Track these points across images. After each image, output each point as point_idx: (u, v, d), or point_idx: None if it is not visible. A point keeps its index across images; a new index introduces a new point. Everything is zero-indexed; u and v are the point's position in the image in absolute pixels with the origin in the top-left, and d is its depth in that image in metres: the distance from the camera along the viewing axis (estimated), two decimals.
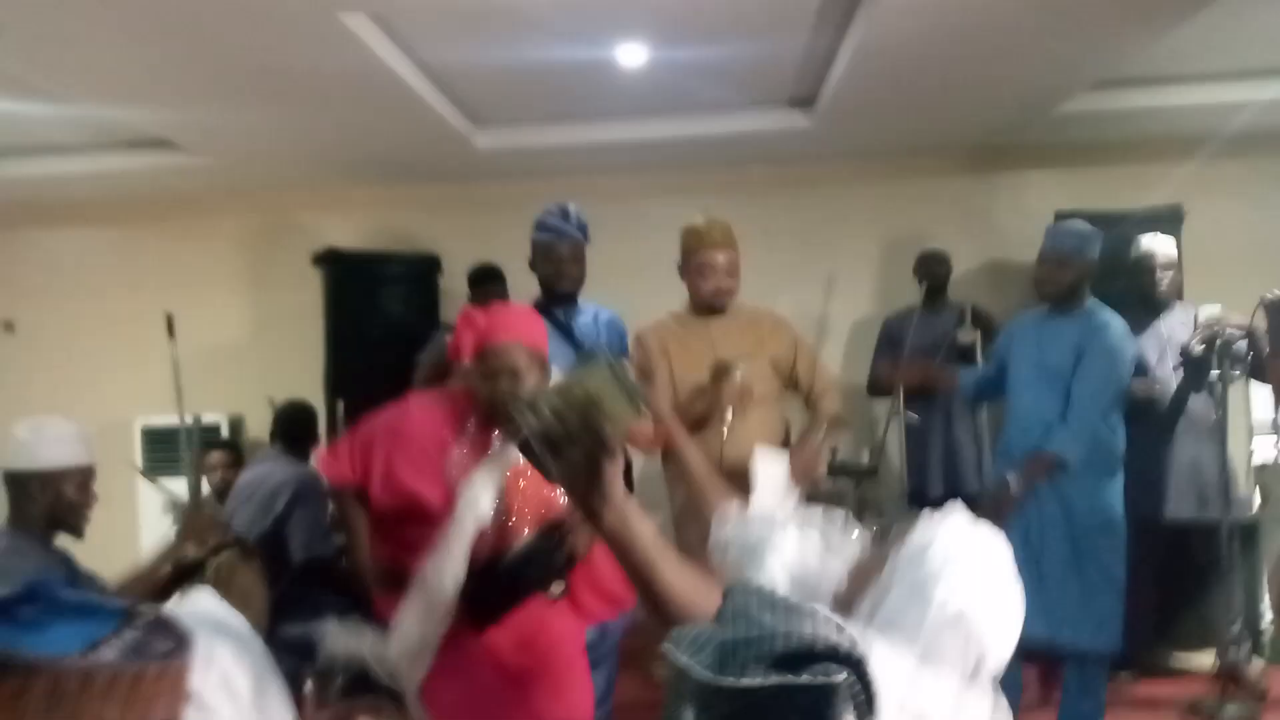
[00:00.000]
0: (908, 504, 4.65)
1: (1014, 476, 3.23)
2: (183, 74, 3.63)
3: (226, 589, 3.27)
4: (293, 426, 3.99)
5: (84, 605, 1.01)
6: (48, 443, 2.52)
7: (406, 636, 2.10)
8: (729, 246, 3.05)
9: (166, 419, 4.02)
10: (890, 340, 4.68)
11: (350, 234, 5.34)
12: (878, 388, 4.66)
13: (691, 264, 3.06)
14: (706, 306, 3.06)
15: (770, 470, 2.93)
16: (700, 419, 3.01)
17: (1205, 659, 4.03)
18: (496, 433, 2.22)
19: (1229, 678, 3.72)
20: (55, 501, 2.50)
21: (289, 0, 2.98)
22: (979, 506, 3.62)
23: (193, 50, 3.38)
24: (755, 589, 1.09)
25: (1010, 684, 3.28)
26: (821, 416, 3.11)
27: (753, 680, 0.96)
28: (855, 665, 1.00)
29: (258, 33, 3.23)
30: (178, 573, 3.12)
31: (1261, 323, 3.27)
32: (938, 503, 4.50)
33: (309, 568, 3.41)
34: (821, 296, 5.19)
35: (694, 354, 3.05)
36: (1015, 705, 3.28)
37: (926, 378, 4.08)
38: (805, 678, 0.97)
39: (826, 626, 1.02)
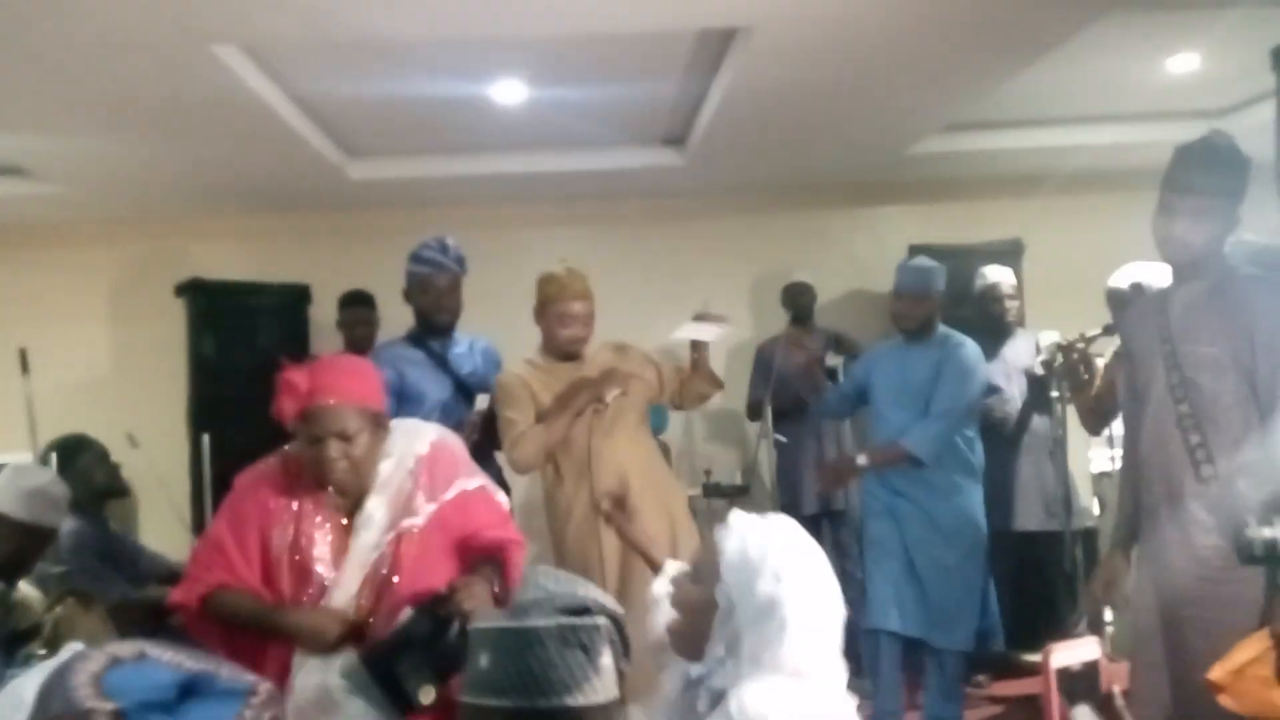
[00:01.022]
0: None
1: (863, 454, 3.49)
2: (36, 100, 3.50)
3: (71, 636, 3.13)
4: (63, 467, 3.53)
5: (216, 685, 1.07)
6: (33, 496, 2.64)
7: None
8: (587, 297, 3.09)
9: (20, 456, 3.79)
10: (764, 365, 4.88)
11: (218, 264, 5.18)
12: (754, 412, 4.83)
13: (550, 312, 3.06)
14: (563, 354, 3.08)
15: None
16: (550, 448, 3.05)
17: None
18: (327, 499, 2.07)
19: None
20: (15, 553, 2.62)
21: (158, 30, 2.92)
22: (821, 472, 3.88)
23: (48, 76, 3.27)
24: (544, 569, 1.55)
25: (891, 676, 3.51)
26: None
27: (537, 621, 1.30)
28: (613, 618, 1.39)
29: (121, 62, 3.15)
30: (13, 635, 2.96)
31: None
32: (811, 518, 4.73)
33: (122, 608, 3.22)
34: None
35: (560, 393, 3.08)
36: (899, 685, 3.51)
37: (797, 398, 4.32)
38: (572, 620, 1.29)
39: (593, 591, 1.45)
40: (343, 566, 2.03)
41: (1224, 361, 2.27)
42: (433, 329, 3.24)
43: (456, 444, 2.25)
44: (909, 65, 3.61)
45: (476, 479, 2.20)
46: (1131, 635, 2.58)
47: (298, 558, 2.04)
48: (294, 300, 5.14)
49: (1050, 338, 4.18)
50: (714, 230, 5.55)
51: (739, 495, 4.38)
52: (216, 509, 3.69)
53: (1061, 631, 4.14)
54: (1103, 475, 4.68)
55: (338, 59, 3.46)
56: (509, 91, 3.90)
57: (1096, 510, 4.59)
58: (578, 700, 1.24)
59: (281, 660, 2.00)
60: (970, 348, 3.55)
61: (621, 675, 1.35)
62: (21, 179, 4.54)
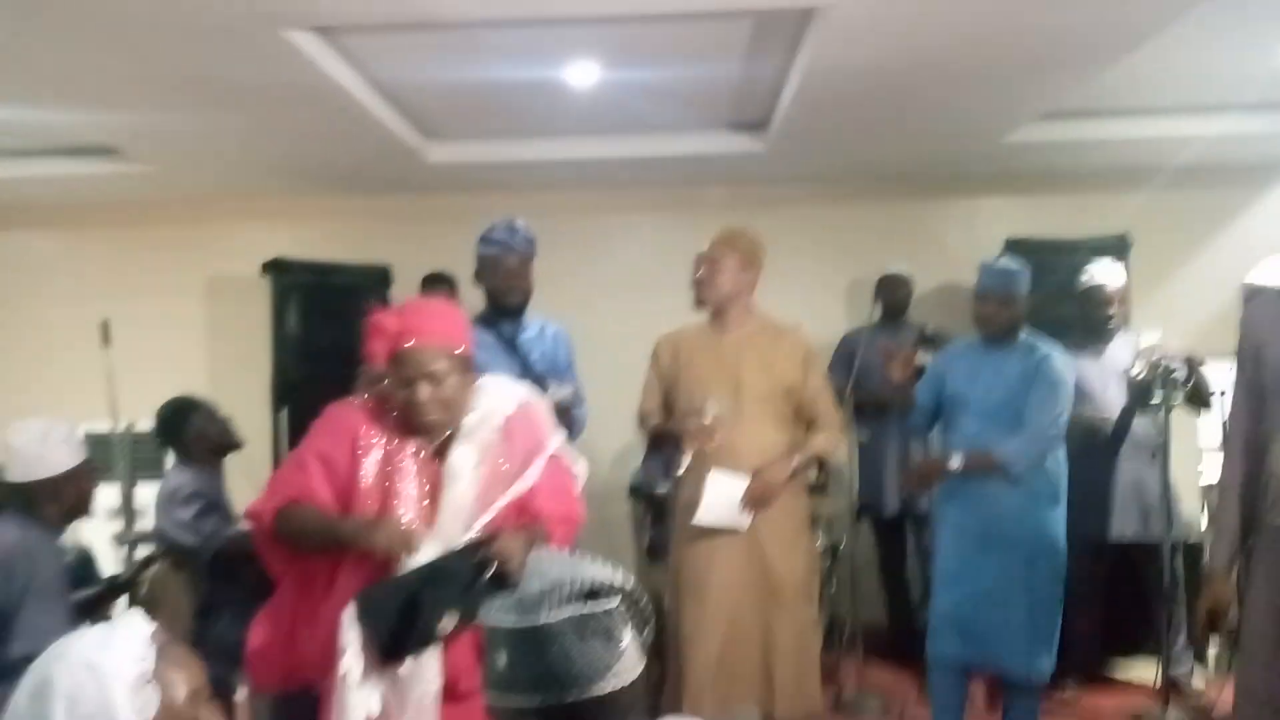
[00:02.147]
0: (859, 519, 4.69)
1: (957, 456, 3.25)
2: (126, 82, 3.55)
3: (159, 603, 3.21)
4: (168, 426, 3.60)
5: None
6: (56, 447, 2.70)
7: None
8: (721, 244, 3.11)
9: (104, 425, 3.89)
10: (847, 355, 4.70)
11: (299, 244, 5.26)
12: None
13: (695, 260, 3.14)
14: (697, 304, 3.12)
15: (721, 489, 2.95)
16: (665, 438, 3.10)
17: (1149, 672, 4.08)
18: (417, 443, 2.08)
19: (1170, 689, 3.77)
20: (75, 497, 2.71)
21: (231, 13, 2.91)
22: (907, 474, 3.68)
23: (136, 58, 3.31)
24: (546, 554, 1.42)
25: (951, 695, 3.31)
26: (807, 447, 3.12)
27: (549, 616, 1.24)
28: (627, 593, 1.30)
29: (200, 45, 3.17)
30: (110, 590, 3.06)
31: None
32: (892, 520, 4.58)
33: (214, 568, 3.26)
34: (779, 315, 5.22)
35: (700, 366, 3.10)
36: (959, 717, 3.31)
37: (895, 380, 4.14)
38: (590, 608, 1.25)
39: (600, 568, 1.31)
40: (436, 517, 2.02)
41: None
42: (502, 310, 3.20)
43: (541, 407, 2.26)
44: (1002, 48, 3.38)
45: (559, 441, 2.22)
46: (1244, 646, 2.38)
47: (387, 485, 2.04)
48: (375, 281, 5.18)
49: (1152, 339, 3.94)
50: (800, 220, 5.39)
51: (816, 494, 4.24)
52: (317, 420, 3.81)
53: (1157, 646, 3.93)
54: (1213, 486, 4.41)
55: (412, 43, 3.42)
56: (583, 74, 3.82)
57: (1205, 522, 4.33)
58: (604, 688, 1.24)
59: (351, 585, 1.98)
60: (1059, 358, 3.30)
61: (644, 646, 1.33)
62: (112, 158, 4.66)
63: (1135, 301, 4.45)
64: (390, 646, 1.90)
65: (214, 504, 3.39)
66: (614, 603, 1.27)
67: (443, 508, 2.03)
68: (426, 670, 1.96)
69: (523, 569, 1.92)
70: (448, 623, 1.92)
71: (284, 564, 2.08)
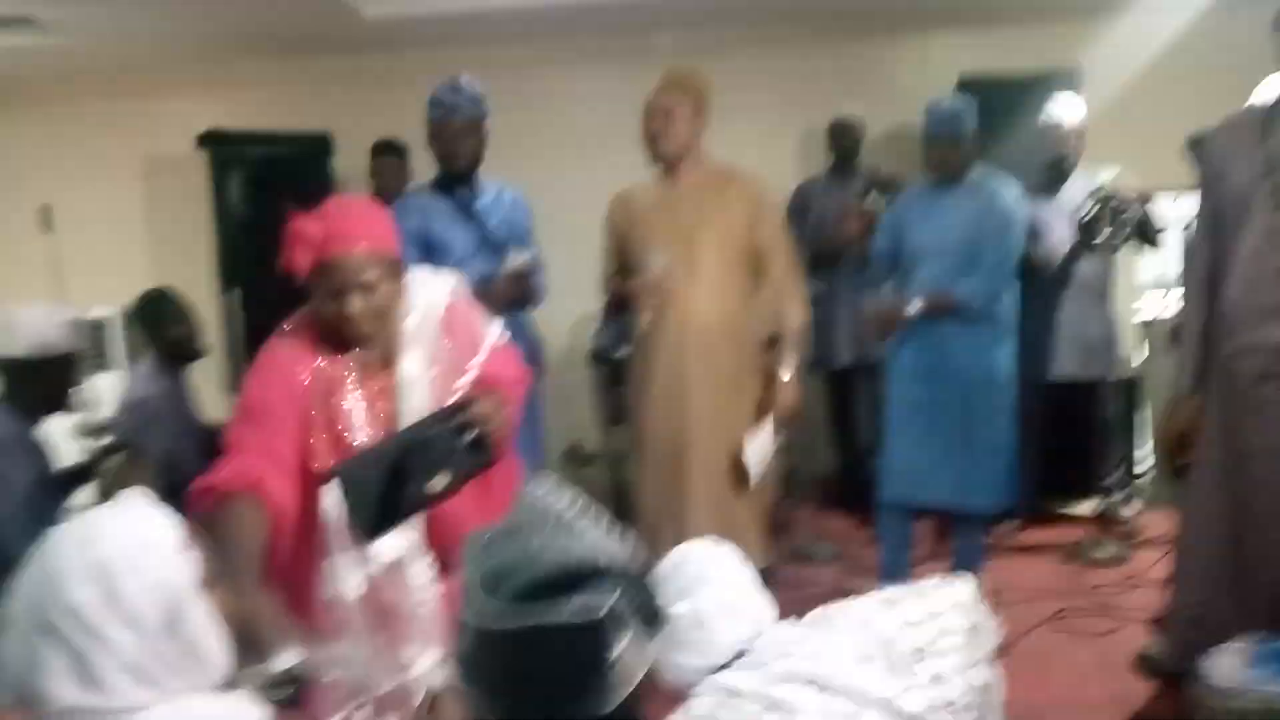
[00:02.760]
0: (811, 372, 4.77)
1: (916, 301, 3.30)
2: None
3: (122, 490, 3.21)
4: (134, 324, 3.62)
5: None
6: (50, 329, 2.69)
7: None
8: (673, 89, 2.93)
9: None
10: (800, 207, 4.69)
11: (236, 115, 5.04)
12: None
13: (645, 109, 2.96)
14: (654, 159, 2.97)
15: (761, 443, 2.97)
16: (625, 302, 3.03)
17: (1088, 506, 4.31)
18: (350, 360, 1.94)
19: (1104, 521, 4.00)
20: (56, 384, 2.70)
21: None
22: (869, 320, 3.77)
23: None
24: (535, 498, 1.05)
25: (901, 538, 3.48)
26: (785, 338, 3.04)
27: (505, 621, 0.94)
28: (627, 578, 0.98)
29: None
30: (70, 478, 3.05)
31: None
32: (843, 371, 4.63)
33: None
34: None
35: (653, 222, 3.00)
36: (906, 558, 3.49)
37: (838, 243, 4.14)
38: (560, 616, 0.92)
39: (595, 545, 0.99)
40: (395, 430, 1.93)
41: None
42: (455, 176, 3.11)
43: (465, 288, 2.16)
44: None
45: (495, 328, 2.14)
46: (1192, 485, 2.50)
47: (339, 428, 1.92)
48: (316, 149, 5.02)
49: (1108, 176, 3.96)
50: (749, 67, 5.24)
51: (768, 347, 4.30)
52: (249, 364, 3.77)
53: (1095, 481, 4.13)
54: (1153, 322, 4.54)
55: None
56: None
57: (1144, 356, 4.48)
58: (582, 711, 0.98)
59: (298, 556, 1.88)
60: (1011, 192, 3.35)
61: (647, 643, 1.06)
62: (30, 30, 4.36)
63: (1090, 135, 4.44)
64: (378, 515, 1.84)
65: (163, 415, 3.38)
66: (608, 601, 0.96)
67: (403, 419, 1.95)
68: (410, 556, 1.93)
69: (502, 428, 1.92)
70: (439, 482, 1.87)
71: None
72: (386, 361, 1.99)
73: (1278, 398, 2.22)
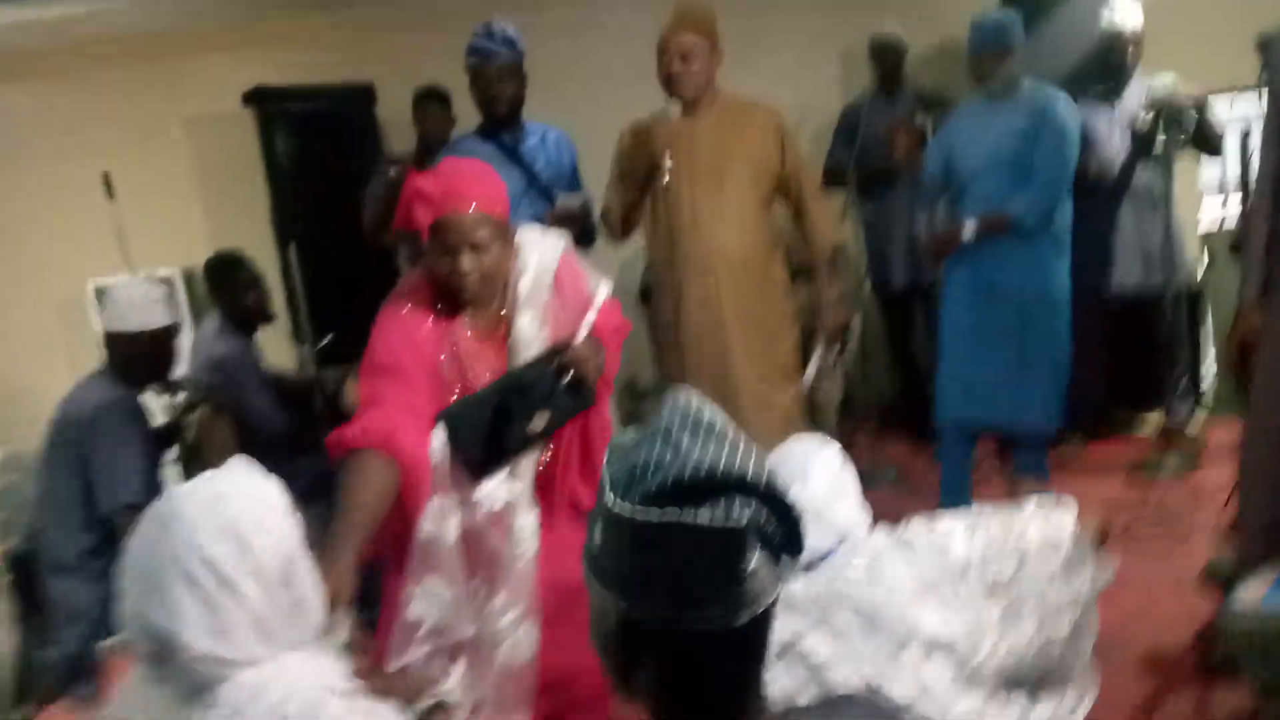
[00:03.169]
0: (872, 295, 4.76)
1: (970, 222, 3.29)
2: None
3: (207, 445, 3.34)
4: (209, 286, 3.70)
5: None
6: (151, 305, 2.85)
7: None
8: (689, 30, 2.91)
9: (117, 278, 3.91)
10: (848, 129, 4.62)
11: (280, 70, 5.07)
12: (835, 178, 4.63)
13: (659, 47, 2.94)
14: (672, 95, 2.95)
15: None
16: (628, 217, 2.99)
17: (1151, 421, 4.26)
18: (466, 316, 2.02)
19: (1169, 434, 3.95)
20: (158, 357, 2.88)
21: None
22: (924, 245, 3.73)
23: None
24: (686, 403, 1.02)
25: (960, 459, 3.48)
26: (820, 261, 3.06)
27: (647, 514, 0.92)
28: (771, 500, 0.96)
29: None
30: (158, 439, 3.18)
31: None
32: (900, 293, 4.60)
33: (270, 442, 3.35)
34: (772, 88, 5.07)
35: (676, 157, 2.97)
36: (966, 480, 3.50)
37: (889, 165, 4.09)
38: (702, 518, 0.92)
39: (744, 458, 0.96)
40: None
41: None
42: (497, 121, 3.12)
43: (573, 250, 2.22)
44: None
45: (603, 287, 2.18)
46: (1257, 395, 2.46)
47: (463, 384, 2.00)
48: (359, 100, 5.03)
49: (1165, 82, 3.83)
50: None
51: (800, 279, 4.29)
52: (312, 316, 3.86)
53: (1159, 394, 4.07)
54: (1215, 232, 4.43)
55: None
56: None
57: (1205, 266, 4.37)
58: (711, 621, 0.96)
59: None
60: (1063, 104, 3.27)
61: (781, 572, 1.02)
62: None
63: (1147, 40, 4.29)
64: (484, 456, 1.92)
65: (259, 377, 3.54)
66: (740, 517, 0.93)
67: None
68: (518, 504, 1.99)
69: (597, 372, 2.01)
70: (538, 422, 1.95)
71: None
72: (500, 321, 2.05)
73: None
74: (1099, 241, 4.01)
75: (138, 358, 2.85)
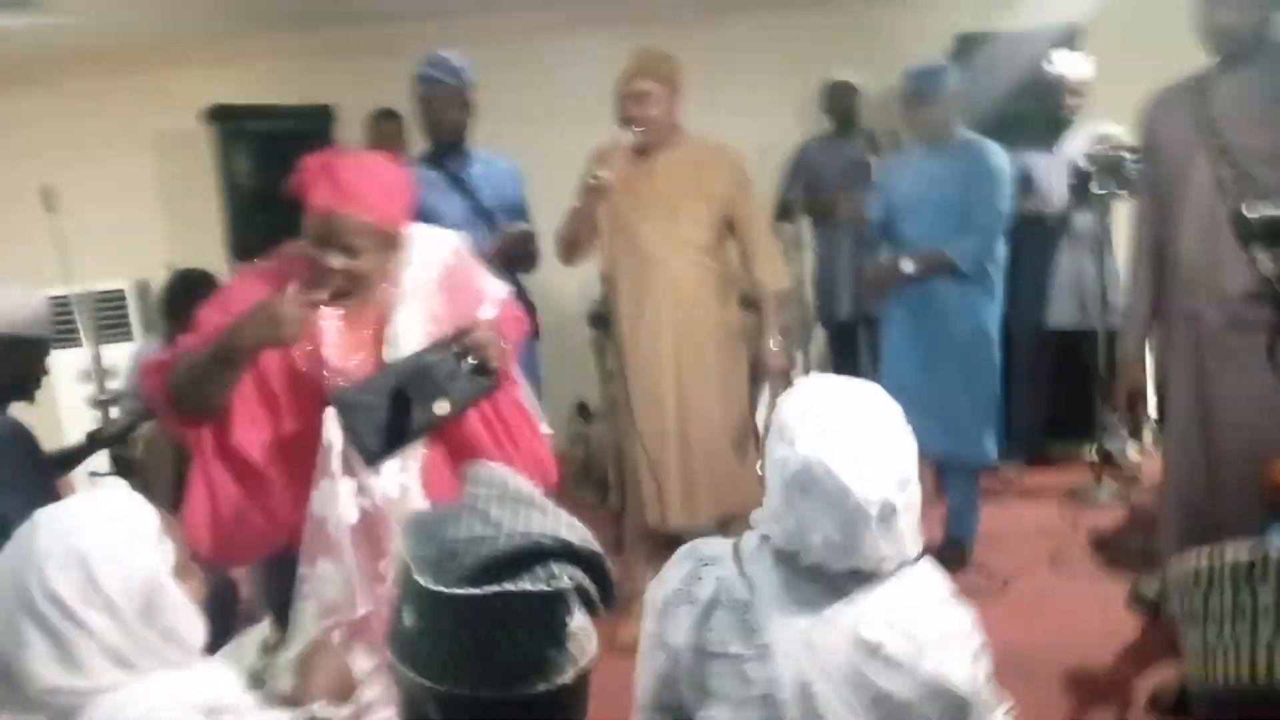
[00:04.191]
0: (819, 325, 4.87)
1: (908, 260, 3.37)
2: None
3: (152, 463, 3.30)
4: (177, 302, 3.53)
5: None
6: (15, 309, 2.42)
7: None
8: (646, 76, 2.92)
9: (54, 292, 3.87)
10: (799, 166, 4.74)
11: (238, 89, 5.10)
12: (785, 213, 4.74)
13: (618, 92, 2.97)
14: (632, 142, 2.96)
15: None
16: (576, 238, 2.99)
17: (1087, 450, 4.37)
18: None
19: (1105, 464, 4.06)
20: (18, 370, 2.44)
21: None
22: (863, 278, 3.80)
23: None
24: (491, 476, 1.04)
25: None
26: (765, 307, 3.09)
27: (470, 589, 0.92)
28: (588, 561, 0.99)
29: None
30: (90, 445, 3.09)
31: None
32: (845, 324, 4.65)
33: None
34: (732, 127, 5.17)
35: (636, 191, 2.99)
36: None
37: (836, 205, 4.19)
38: (525, 585, 0.94)
39: (557, 523, 0.99)
40: None
41: None
42: (443, 148, 3.18)
43: (468, 249, 2.17)
44: None
45: (500, 288, 2.15)
46: (1169, 434, 2.60)
47: (320, 369, 1.91)
48: (319, 122, 5.07)
49: (1106, 130, 3.97)
50: (749, 27, 5.27)
51: (746, 309, 4.36)
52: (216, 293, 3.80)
53: (1094, 430, 4.18)
54: None
55: None
56: None
57: None
58: (533, 688, 0.97)
59: (286, 455, 1.92)
60: (996, 154, 3.36)
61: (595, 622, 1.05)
62: (33, 11, 4.43)
63: (1091, 93, 4.44)
64: (381, 441, 1.86)
65: None
66: (563, 580, 0.97)
67: None
68: (410, 491, 1.95)
69: (499, 357, 1.92)
70: (441, 406, 1.89)
71: (195, 432, 1.92)
72: (375, 311, 1.98)
73: (1244, 344, 2.27)
74: (1039, 277, 4.14)
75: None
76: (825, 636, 1.28)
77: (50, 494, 2.60)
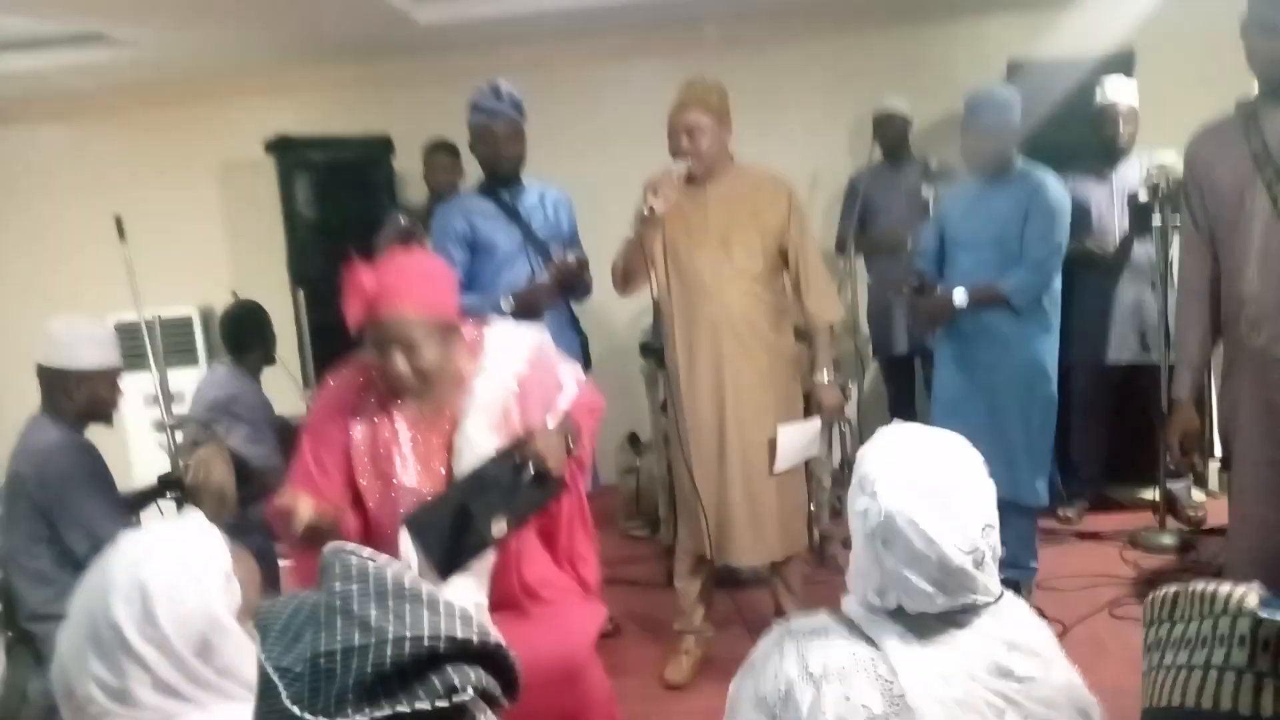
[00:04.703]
0: (875, 359, 4.82)
1: (961, 291, 3.28)
2: None
3: (206, 484, 3.36)
4: (235, 332, 3.77)
5: None
6: (84, 344, 2.70)
7: None
8: (698, 107, 2.91)
9: (129, 317, 4.00)
10: (855, 197, 4.70)
11: (300, 120, 5.23)
12: (841, 246, 4.70)
13: (669, 123, 2.96)
14: (694, 176, 2.94)
15: (791, 437, 2.99)
16: (631, 269, 3.00)
17: (1150, 493, 4.25)
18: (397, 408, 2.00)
19: (1168, 507, 3.94)
20: (90, 398, 2.70)
21: None
22: (917, 308, 3.74)
23: None
24: (358, 567, 0.87)
25: None
26: (818, 340, 3.07)
27: (355, 717, 0.78)
28: (488, 654, 0.86)
29: None
30: (162, 485, 3.18)
31: None
32: (901, 358, 4.58)
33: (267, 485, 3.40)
34: (784, 155, 5.17)
35: (688, 221, 2.98)
36: None
37: (893, 239, 4.15)
38: (422, 704, 0.79)
39: (450, 620, 0.83)
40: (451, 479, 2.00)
41: None
42: (498, 178, 3.21)
43: (549, 346, 2.19)
44: None
45: (571, 381, 2.17)
46: (1238, 475, 2.51)
47: (381, 452, 2.00)
48: (378, 151, 5.18)
49: (1164, 158, 3.89)
50: (799, 55, 5.28)
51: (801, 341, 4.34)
52: (317, 361, 3.89)
53: (1156, 471, 4.07)
54: None
55: None
56: None
57: None
58: None
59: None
60: (1054, 186, 3.26)
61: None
62: (102, 46, 4.60)
63: (1145, 118, 4.36)
64: (446, 560, 1.90)
65: (267, 418, 3.63)
66: (470, 680, 0.84)
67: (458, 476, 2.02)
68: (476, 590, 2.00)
69: (561, 465, 1.97)
70: (499, 527, 1.93)
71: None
72: (446, 417, 2.04)
73: None
74: (1098, 312, 4.05)
75: (65, 396, 2.69)
76: (955, 669, 1.29)
77: (124, 510, 2.79)
